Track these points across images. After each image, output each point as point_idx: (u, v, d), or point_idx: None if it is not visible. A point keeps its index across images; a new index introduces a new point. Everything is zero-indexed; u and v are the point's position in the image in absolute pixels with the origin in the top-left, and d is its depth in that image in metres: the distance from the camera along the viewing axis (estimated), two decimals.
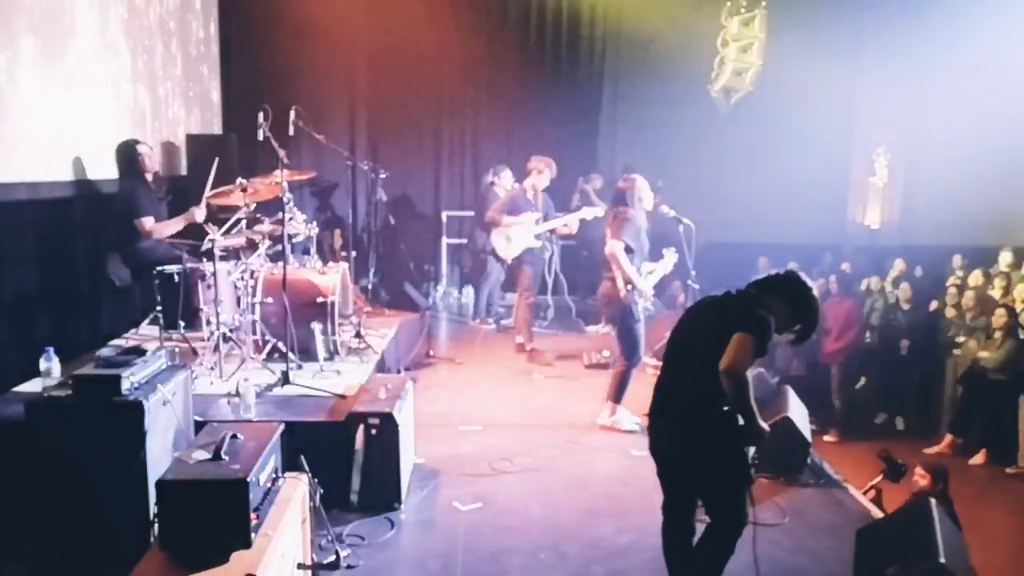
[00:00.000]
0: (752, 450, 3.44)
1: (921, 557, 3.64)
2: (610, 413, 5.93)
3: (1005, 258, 9.11)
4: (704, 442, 3.39)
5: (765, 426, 3.37)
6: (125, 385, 3.48)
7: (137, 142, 5.94)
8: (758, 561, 3.52)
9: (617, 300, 5.72)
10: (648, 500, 4.31)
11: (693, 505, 3.60)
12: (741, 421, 3.29)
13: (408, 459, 4.92)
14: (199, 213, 5.72)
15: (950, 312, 8.02)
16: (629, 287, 5.65)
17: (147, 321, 5.87)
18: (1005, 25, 9.54)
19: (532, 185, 7.61)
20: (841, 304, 7.74)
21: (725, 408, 3.29)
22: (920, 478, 4.83)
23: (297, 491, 3.36)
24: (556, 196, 8.19)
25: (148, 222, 5.69)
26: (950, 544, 3.74)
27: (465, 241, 9.90)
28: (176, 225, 5.79)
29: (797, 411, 5.71)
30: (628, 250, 5.63)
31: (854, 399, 8.01)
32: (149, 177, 5.91)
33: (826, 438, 7.30)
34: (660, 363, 3.72)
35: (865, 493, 5.13)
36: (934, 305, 8.47)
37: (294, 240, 5.82)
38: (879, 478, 4.94)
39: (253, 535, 2.84)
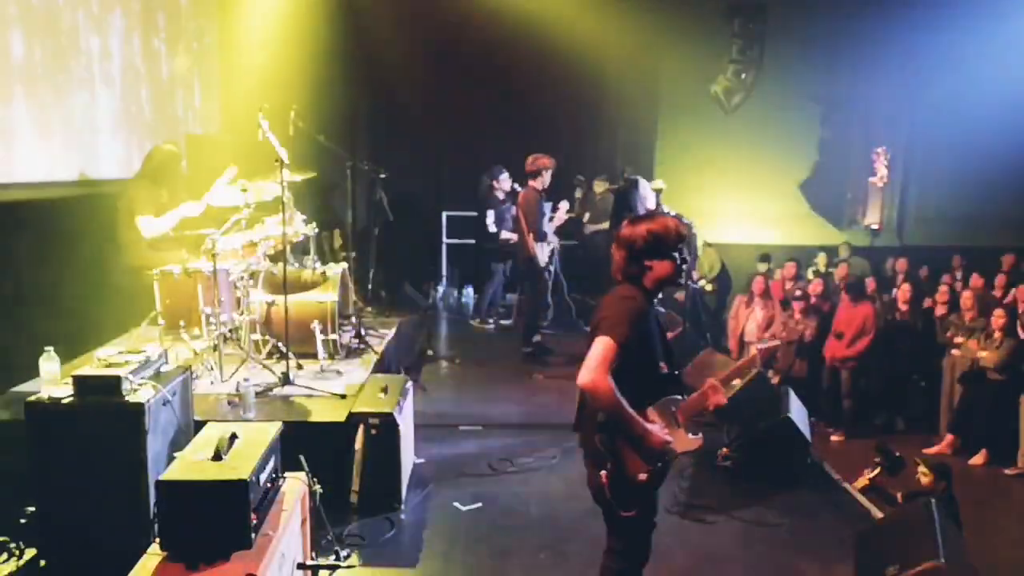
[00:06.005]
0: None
1: (921, 557, 3.64)
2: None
3: (1006, 259, 9.12)
4: (597, 462, 3.02)
5: (661, 436, 2.87)
6: (125, 385, 3.48)
7: (181, 156, 6.01)
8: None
9: None
10: None
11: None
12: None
13: (408, 459, 4.92)
14: (193, 207, 5.65)
15: (950, 312, 8.02)
16: None
17: (147, 321, 5.87)
18: (1005, 25, 9.54)
19: (543, 184, 7.57)
20: (856, 309, 7.55)
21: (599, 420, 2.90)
22: (923, 476, 4.81)
23: (297, 491, 3.36)
24: (555, 195, 8.18)
25: (148, 220, 5.68)
26: (950, 544, 3.75)
27: (473, 241, 9.85)
28: (171, 218, 5.74)
29: (797, 412, 5.72)
30: None
31: (854, 399, 7.99)
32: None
33: (833, 438, 7.33)
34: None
35: (861, 489, 5.12)
36: (933, 305, 8.46)
37: (294, 240, 5.82)
38: (876, 471, 4.94)
39: (253, 535, 2.84)
